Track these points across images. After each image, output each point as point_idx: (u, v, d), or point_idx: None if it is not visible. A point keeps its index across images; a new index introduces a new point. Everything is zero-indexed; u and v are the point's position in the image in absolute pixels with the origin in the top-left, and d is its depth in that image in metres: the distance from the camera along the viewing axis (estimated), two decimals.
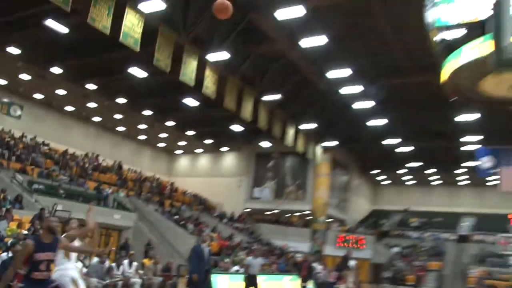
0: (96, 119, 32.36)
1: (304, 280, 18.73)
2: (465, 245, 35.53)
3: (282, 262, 23.15)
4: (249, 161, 34.90)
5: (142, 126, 32.38)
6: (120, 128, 34.10)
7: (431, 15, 10.63)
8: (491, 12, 9.78)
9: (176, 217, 23.91)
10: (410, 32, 17.50)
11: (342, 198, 36.32)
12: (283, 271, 21.63)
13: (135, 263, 14.42)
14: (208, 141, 34.42)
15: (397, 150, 31.12)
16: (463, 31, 16.74)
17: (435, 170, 38.37)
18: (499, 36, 1.57)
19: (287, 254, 25.28)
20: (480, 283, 28.79)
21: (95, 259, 12.94)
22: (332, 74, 19.85)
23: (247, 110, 20.72)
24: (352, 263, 11.63)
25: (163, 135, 34.26)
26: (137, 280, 13.70)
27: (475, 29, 11.23)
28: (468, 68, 13.86)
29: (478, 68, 11.58)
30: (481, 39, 13.56)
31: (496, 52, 1.58)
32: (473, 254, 33.43)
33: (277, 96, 22.25)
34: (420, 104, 24.29)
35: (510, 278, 26.15)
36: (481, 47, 13.24)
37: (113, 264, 13.65)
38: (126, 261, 13.96)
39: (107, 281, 12.63)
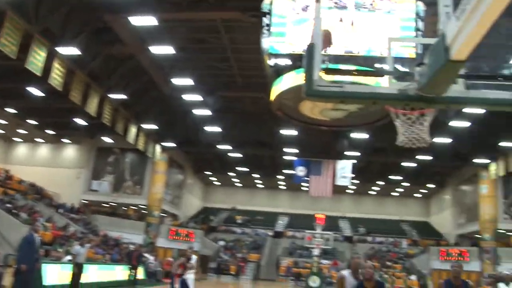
0: None
1: (133, 268, 20.29)
2: (279, 239, 40.79)
3: (115, 253, 24.25)
4: (89, 154, 34.90)
5: None
6: None
7: (266, 43, 12.52)
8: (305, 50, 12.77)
9: (9, 205, 23.26)
10: (248, 54, 20.14)
11: (176, 195, 38.33)
12: (115, 260, 22.79)
13: None
14: (50, 132, 33.47)
15: (228, 155, 34.40)
16: (289, 61, 20.36)
17: (259, 175, 42.88)
18: (309, 70, 2.81)
19: (121, 245, 26.37)
20: (289, 271, 33.71)
21: None
22: (176, 81, 21.41)
23: (92, 105, 21.41)
24: (194, 257, 13.43)
25: (2, 121, 32.32)
26: None
27: (299, 61, 13.99)
28: (290, 92, 17.14)
29: (296, 93, 14.54)
30: (300, 70, 17.02)
31: (306, 83, 2.84)
32: (285, 247, 38.70)
33: (122, 95, 23.18)
34: (251, 116, 27.38)
35: (311, 266, 31.11)
36: (297, 77, 16.67)
37: None
38: None
39: None
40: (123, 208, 36.06)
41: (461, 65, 2.99)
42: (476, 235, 33.62)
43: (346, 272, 5.46)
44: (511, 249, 33.09)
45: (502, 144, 26.62)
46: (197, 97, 22.97)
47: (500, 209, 32.59)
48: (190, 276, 12.39)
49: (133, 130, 26.69)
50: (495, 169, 29.88)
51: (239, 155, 34.20)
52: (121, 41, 19.32)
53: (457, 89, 3.46)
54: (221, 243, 38.50)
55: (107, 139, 32.44)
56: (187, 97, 23.09)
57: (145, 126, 27.66)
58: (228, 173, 42.86)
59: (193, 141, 31.73)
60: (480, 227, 32.49)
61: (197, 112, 25.25)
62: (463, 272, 5.38)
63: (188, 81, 21.29)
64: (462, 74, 3.43)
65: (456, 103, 3.80)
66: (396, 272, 33.67)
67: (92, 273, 16.72)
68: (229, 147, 31.84)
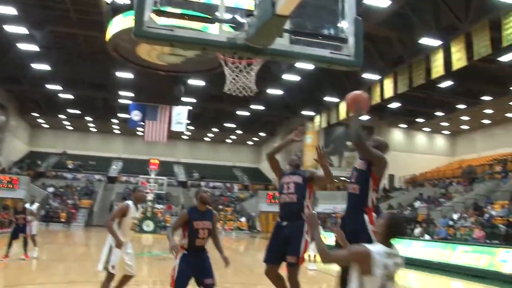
0: None
1: None
2: (113, 185, 40.18)
3: None
4: None
5: None
6: None
7: None
8: None
9: None
10: None
11: None
12: None
13: None
14: None
15: (58, 95, 32.08)
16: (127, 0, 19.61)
17: (92, 118, 40.89)
18: (139, 11, 2.75)
19: None
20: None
21: None
22: None
23: None
24: (35, 205, 12.76)
25: None
26: None
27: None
28: (124, 33, 16.66)
29: (131, 35, 14.29)
30: (128, 13, 16.64)
31: (136, 23, 2.79)
32: (119, 192, 38.35)
33: None
34: (85, 55, 25.93)
35: (145, 211, 31.59)
36: (126, 20, 16.35)
37: None
38: None
39: None
40: None
41: (285, 20, 3.27)
42: None
43: (130, 202, 6.24)
44: (327, 192, 37.97)
45: (326, 98, 29.75)
46: (22, 30, 20.77)
47: None
48: (35, 223, 12.59)
49: None
50: (319, 121, 33.43)
51: (70, 96, 32.15)
52: None
53: (282, 42, 3.71)
54: (50, 189, 36.42)
55: None
56: (9, 28, 20.71)
57: None
58: (58, 116, 40.02)
59: (17, 79, 28.85)
60: None
61: (22, 46, 22.93)
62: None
63: (10, 10, 19.04)
64: (287, 29, 3.66)
65: (280, 55, 4.24)
66: (227, 215, 36.16)
67: None
68: (59, 87, 29.69)
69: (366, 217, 3.88)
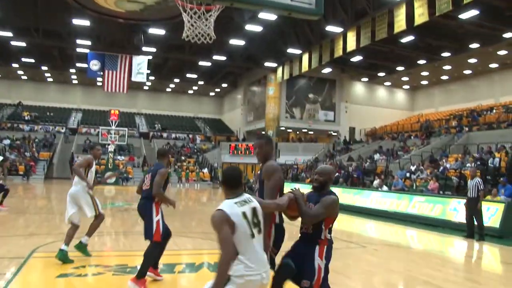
0: None
1: None
2: (73, 136, 39.30)
3: None
4: None
5: None
6: None
7: None
8: None
9: None
10: None
11: None
12: None
13: None
14: None
15: (10, 43, 30.51)
16: None
17: (48, 67, 39.37)
18: None
19: None
20: None
21: None
22: None
23: None
24: None
25: None
26: None
27: None
28: None
29: None
30: None
31: None
32: (79, 144, 37.61)
33: None
34: (38, 1, 24.63)
35: (106, 162, 31.27)
36: None
37: None
38: None
39: None
40: None
41: None
42: (262, 132, 37.91)
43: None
44: (289, 144, 38.50)
45: (289, 50, 29.55)
46: None
47: (283, 109, 37.08)
48: None
49: None
50: (281, 73, 33.33)
51: (23, 44, 30.64)
52: None
53: None
54: (6, 141, 35.24)
55: None
56: None
57: None
58: (12, 65, 38.27)
59: None
60: (265, 125, 36.66)
61: None
62: (260, 147, 3.85)
63: None
64: None
65: (239, 2, 4.17)
66: (190, 166, 36.23)
67: None
68: (10, 34, 28.19)
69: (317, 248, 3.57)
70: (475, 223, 10.45)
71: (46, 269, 5.98)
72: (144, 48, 29.11)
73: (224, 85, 44.99)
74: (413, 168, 19.81)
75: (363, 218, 14.85)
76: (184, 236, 8.67)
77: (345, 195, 18.42)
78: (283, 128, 37.96)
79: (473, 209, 10.43)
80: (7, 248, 7.18)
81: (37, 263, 6.30)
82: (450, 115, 32.18)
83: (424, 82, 39.23)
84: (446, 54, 28.75)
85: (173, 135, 43.56)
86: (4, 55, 34.28)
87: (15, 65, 38.38)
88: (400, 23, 19.39)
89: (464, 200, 11.02)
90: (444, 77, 36.50)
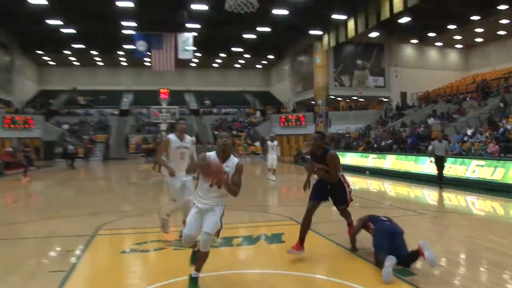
0: None
1: None
2: (126, 118, 40.50)
3: None
4: None
5: None
6: None
7: None
8: None
9: None
10: None
11: (5, 79, 34.80)
12: None
13: None
14: None
15: (60, 30, 31.47)
16: None
17: (98, 52, 40.48)
18: None
19: None
20: (139, 148, 34.31)
21: None
22: None
23: None
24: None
25: None
26: None
27: None
28: None
29: None
30: None
31: None
32: (133, 124, 38.74)
33: None
34: None
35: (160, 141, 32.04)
36: None
37: None
38: None
39: None
40: None
41: None
42: (311, 102, 37.52)
43: (172, 135, 6.29)
44: (339, 112, 37.89)
45: (334, 16, 28.76)
46: None
47: (331, 78, 36.40)
48: None
49: None
50: (327, 40, 32.58)
51: (72, 30, 31.59)
52: None
53: None
54: (65, 126, 36.84)
55: None
56: None
57: None
58: (64, 52, 39.65)
59: (15, 16, 28.32)
60: (314, 94, 36.20)
61: None
62: (321, 141, 5.44)
63: None
64: None
65: None
66: (241, 140, 36.58)
67: None
68: (60, 22, 29.12)
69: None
70: None
71: (110, 246, 6.29)
72: (188, 25, 29.21)
73: (270, 56, 44.61)
74: (470, 131, 19.00)
75: (419, 184, 14.45)
76: (240, 210, 8.78)
77: (399, 161, 18.00)
78: (332, 97, 37.35)
79: None
80: (74, 227, 7.57)
81: (102, 240, 6.61)
82: (509, 73, 30.36)
83: (479, 40, 37.08)
84: (502, 7, 26.93)
85: (223, 110, 43.90)
86: (57, 42, 35.46)
87: (66, 52, 39.73)
88: None
89: None
90: (501, 33, 34.26)
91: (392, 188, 14.26)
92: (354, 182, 16.66)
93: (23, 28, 31.94)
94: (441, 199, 11.59)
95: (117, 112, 41.67)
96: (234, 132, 37.67)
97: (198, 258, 4.18)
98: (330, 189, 5.51)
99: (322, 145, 5.42)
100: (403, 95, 37.44)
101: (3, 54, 34.34)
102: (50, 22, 28.73)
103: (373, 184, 15.61)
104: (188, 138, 6.32)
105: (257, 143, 36.18)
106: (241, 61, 46.97)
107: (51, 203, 11.34)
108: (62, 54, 40.46)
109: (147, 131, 37.21)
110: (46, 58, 42.56)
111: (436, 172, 13.07)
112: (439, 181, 12.89)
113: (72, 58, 42.95)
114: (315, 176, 5.66)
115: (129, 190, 14.53)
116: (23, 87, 39.39)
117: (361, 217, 5.66)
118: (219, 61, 46.52)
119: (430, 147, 13.44)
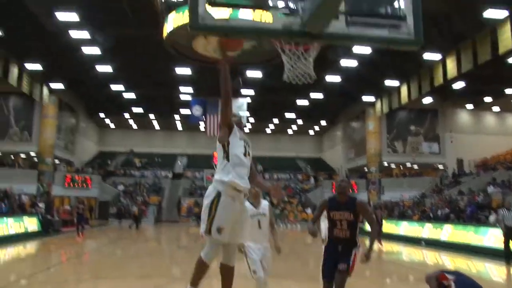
0: None
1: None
2: (179, 180, 41.24)
3: (6, 205, 22.62)
4: None
5: None
6: None
7: None
8: None
9: None
10: None
11: (69, 140, 36.72)
12: (6, 213, 21.33)
13: None
14: None
15: (122, 95, 33.30)
16: None
17: (155, 115, 42.26)
18: (194, 3, 2.80)
19: (13, 197, 24.68)
20: (191, 211, 34.51)
21: None
22: (60, 16, 19.88)
23: None
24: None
25: None
26: None
27: None
28: (180, 29, 16.93)
29: (188, 31, 14.46)
30: (180, 9, 16.90)
31: (191, 16, 2.84)
32: (185, 187, 39.32)
33: None
34: (144, 54, 26.53)
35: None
36: (180, 17, 16.62)
37: None
38: None
39: None
40: (11, 156, 33.74)
41: (338, 1, 3.27)
42: (364, 168, 36.87)
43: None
44: (393, 179, 36.88)
45: (387, 83, 28.81)
46: (85, 34, 21.67)
47: (384, 144, 35.87)
48: None
49: (14, 70, 24.70)
50: (380, 106, 32.47)
51: (133, 95, 33.33)
52: None
53: (338, 25, 3.71)
54: (120, 187, 37.97)
55: None
56: (74, 33, 21.63)
57: (29, 66, 25.68)
58: (123, 115, 41.68)
59: (84, 82, 30.28)
60: (367, 161, 35.65)
61: (86, 50, 23.87)
62: (350, 188, 5.35)
63: (73, 16, 19.87)
64: (342, 11, 3.67)
65: (337, 39, 4.07)
66: (293, 207, 36.13)
67: None
68: (122, 88, 30.85)
69: None
70: None
71: None
72: (242, 91, 30.07)
73: (323, 122, 44.78)
74: None
75: (480, 258, 13.35)
76: (290, 279, 8.45)
77: (457, 231, 16.97)
78: (385, 164, 36.58)
79: None
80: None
81: None
82: None
83: None
84: None
85: (275, 176, 43.75)
86: (118, 106, 37.43)
87: (126, 115, 41.73)
88: (505, 42, 17.95)
89: None
90: None
91: (450, 261, 13.31)
92: (409, 253, 15.84)
93: (89, 92, 34.09)
94: (509, 277, 10.66)
95: (170, 175, 42.58)
96: (285, 199, 37.28)
97: None
98: (341, 249, 4.84)
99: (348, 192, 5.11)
100: (460, 161, 36.05)
101: (70, 116, 36.52)
102: (113, 87, 30.45)
103: (429, 256, 14.71)
104: (264, 203, 5.58)
105: (309, 210, 35.59)
106: (294, 127, 47.36)
107: (101, 263, 11.42)
108: (122, 117, 42.48)
109: (199, 194, 37.57)
110: (107, 120, 44.82)
111: (503, 244, 12.01)
112: (507, 255, 11.79)
113: (130, 121, 44.98)
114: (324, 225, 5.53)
115: (179, 253, 14.45)
116: (85, 148, 41.37)
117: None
118: (272, 126, 47.15)
119: (492, 217, 12.59)
